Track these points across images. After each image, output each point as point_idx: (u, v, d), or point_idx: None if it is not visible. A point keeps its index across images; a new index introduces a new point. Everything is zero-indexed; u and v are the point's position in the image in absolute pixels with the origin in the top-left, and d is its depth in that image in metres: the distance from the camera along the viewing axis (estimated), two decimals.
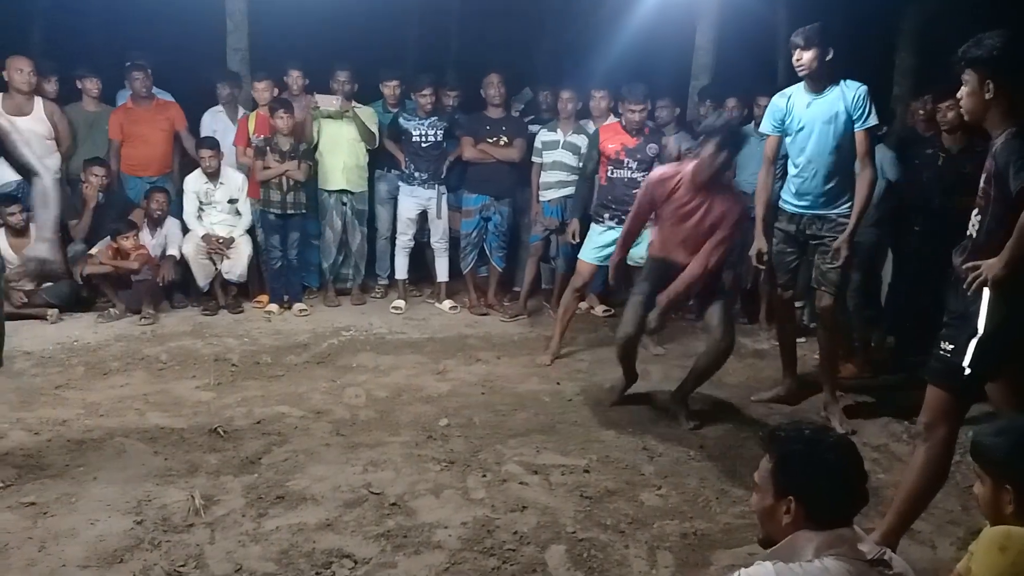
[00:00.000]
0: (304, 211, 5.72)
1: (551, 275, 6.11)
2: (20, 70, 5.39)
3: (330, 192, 5.87)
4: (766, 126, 4.00)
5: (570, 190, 5.66)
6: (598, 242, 4.81)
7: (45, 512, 2.81)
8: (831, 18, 4.05)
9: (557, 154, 5.69)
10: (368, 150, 5.91)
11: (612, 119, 5.45)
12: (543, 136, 5.75)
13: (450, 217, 5.97)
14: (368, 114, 5.84)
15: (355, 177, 5.90)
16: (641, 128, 4.83)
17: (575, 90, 5.70)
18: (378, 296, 6.20)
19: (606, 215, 4.83)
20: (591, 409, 4.05)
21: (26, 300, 5.24)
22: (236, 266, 5.66)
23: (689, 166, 3.74)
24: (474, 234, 5.88)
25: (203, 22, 7.01)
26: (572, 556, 2.66)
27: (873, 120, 3.72)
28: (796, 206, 3.92)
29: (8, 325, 5.03)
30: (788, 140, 3.91)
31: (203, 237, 5.63)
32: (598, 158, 4.91)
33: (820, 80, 3.72)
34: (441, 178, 5.88)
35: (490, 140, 5.74)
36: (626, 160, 4.83)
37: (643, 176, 4.72)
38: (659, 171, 3.91)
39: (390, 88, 6.01)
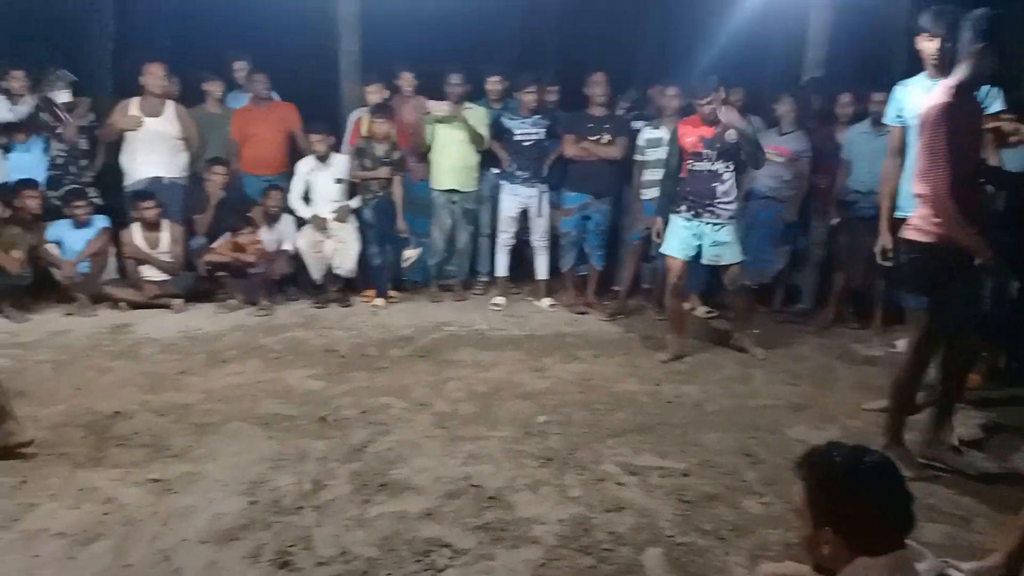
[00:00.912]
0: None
1: (652, 274, 6.03)
2: (154, 75, 5.77)
3: (440, 191, 6.00)
4: (889, 116, 3.80)
5: None
6: (680, 235, 4.71)
7: (168, 490, 3.00)
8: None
9: (660, 152, 5.59)
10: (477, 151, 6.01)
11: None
12: (646, 134, 5.68)
13: (551, 215, 5.99)
14: (478, 116, 5.92)
15: (464, 177, 6.00)
16: (716, 118, 4.63)
17: (680, 87, 5.60)
18: (479, 293, 6.30)
19: (684, 207, 4.72)
20: (691, 411, 3.98)
21: (157, 291, 5.62)
22: (345, 261, 5.87)
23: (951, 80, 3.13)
24: (574, 232, 5.88)
25: (316, 26, 7.31)
26: (670, 560, 2.63)
27: (998, 106, 3.46)
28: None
29: (137, 314, 5.47)
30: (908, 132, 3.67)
31: (312, 218, 5.85)
32: (680, 153, 4.77)
33: (944, 68, 3.51)
34: (542, 176, 5.91)
35: (592, 138, 5.72)
36: (705, 151, 4.67)
37: (725, 167, 4.63)
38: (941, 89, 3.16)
39: (493, 85, 6.08)
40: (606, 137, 5.72)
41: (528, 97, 5.76)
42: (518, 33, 10.67)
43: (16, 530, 2.68)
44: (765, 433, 3.71)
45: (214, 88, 6.20)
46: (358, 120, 6.14)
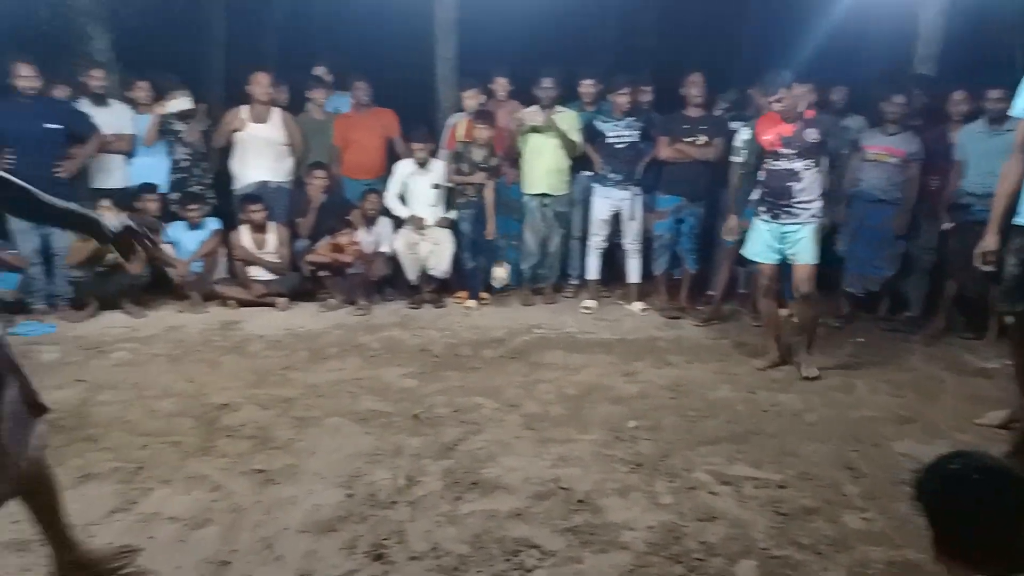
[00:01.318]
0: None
1: (747, 278, 5.88)
2: (260, 84, 6.06)
3: (532, 196, 6.05)
4: (1017, 108, 3.51)
5: None
6: (762, 238, 4.53)
7: (271, 480, 3.14)
8: None
9: None
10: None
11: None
12: (744, 135, 5.52)
13: (644, 218, 5.93)
14: (570, 121, 5.92)
15: (556, 181, 6.03)
16: (797, 115, 4.40)
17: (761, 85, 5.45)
18: (569, 296, 6.30)
19: (763, 208, 4.52)
20: (788, 421, 3.86)
21: (263, 290, 5.90)
22: (440, 263, 5.99)
23: None
24: (667, 236, 5.80)
25: (414, 33, 7.49)
26: (764, 573, 2.56)
27: None
28: None
29: (245, 311, 5.74)
30: None
31: (409, 217, 6.00)
32: (759, 151, 4.54)
33: None
34: (636, 179, 5.86)
35: (688, 139, 5.63)
36: (783, 150, 4.42)
37: (804, 165, 4.36)
38: None
39: (586, 88, 6.08)
40: (702, 138, 5.62)
41: (621, 99, 5.73)
42: (614, 35, 10.62)
43: (134, 512, 2.86)
44: (868, 446, 3.56)
45: (317, 95, 6.44)
46: (455, 125, 6.25)
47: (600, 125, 5.83)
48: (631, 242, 5.95)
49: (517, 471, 3.23)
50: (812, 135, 4.35)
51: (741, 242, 5.64)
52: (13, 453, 2.08)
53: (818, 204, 4.42)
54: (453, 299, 6.11)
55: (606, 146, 5.82)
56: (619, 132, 5.78)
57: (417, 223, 5.99)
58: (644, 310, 5.88)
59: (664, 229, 5.80)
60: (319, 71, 6.65)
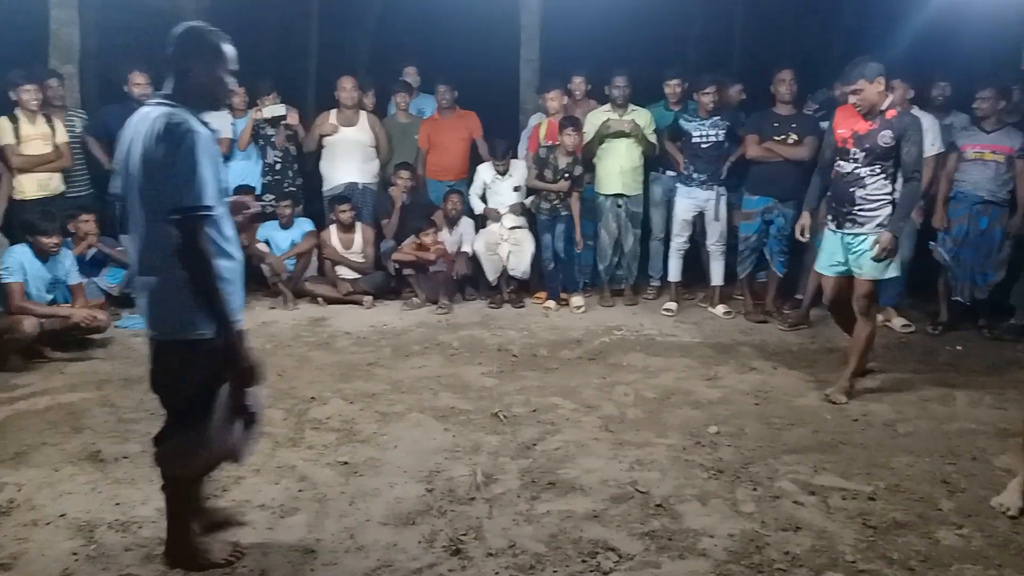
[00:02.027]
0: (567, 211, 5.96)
1: None
2: (345, 88, 6.24)
3: (606, 196, 6.02)
4: None
5: None
6: (828, 247, 4.19)
7: (355, 472, 3.24)
8: None
9: None
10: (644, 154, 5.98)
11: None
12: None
13: (729, 219, 5.81)
14: (645, 119, 5.88)
15: (630, 180, 5.98)
16: (877, 112, 3.95)
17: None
18: (650, 297, 6.23)
19: (829, 217, 4.19)
20: (880, 432, 3.71)
21: (350, 289, 6.08)
22: (520, 263, 6.03)
23: None
24: (754, 238, 5.66)
25: (499, 37, 7.57)
26: None
27: None
28: None
29: (333, 309, 5.93)
30: None
31: (486, 209, 6.09)
32: (834, 147, 4.17)
33: None
34: (720, 179, 5.75)
35: (777, 138, 5.49)
36: (852, 149, 4.02)
37: (869, 171, 3.96)
38: None
39: (671, 87, 6.00)
40: (792, 137, 5.46)
41: (706, 98, 5.63)
42: (701, 34, 10.44)
43: (226, 499, 3.00)
44: (966, 460, 3.39)
45: (402, 99, 6.58)
46: (536, 126, 6.28)
47: (685, 124, 5.75)
48: (715, 243, 5.84)
49: (594, 473, 3.23)
50: (886, 138, 3.94)
51: None
52: (217, 440, 2.39)
53: (885, 212, 3.99)
54: (533, 300, 6.14)
55: (691, 145, 5.73)
56: (704, 131, 5.68)
57: (494, 215, 6.05)
58: (727, 313, 5.76)
59: (751, 231, 5.66)
60: (409, 71, 6.77)
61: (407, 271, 6.10)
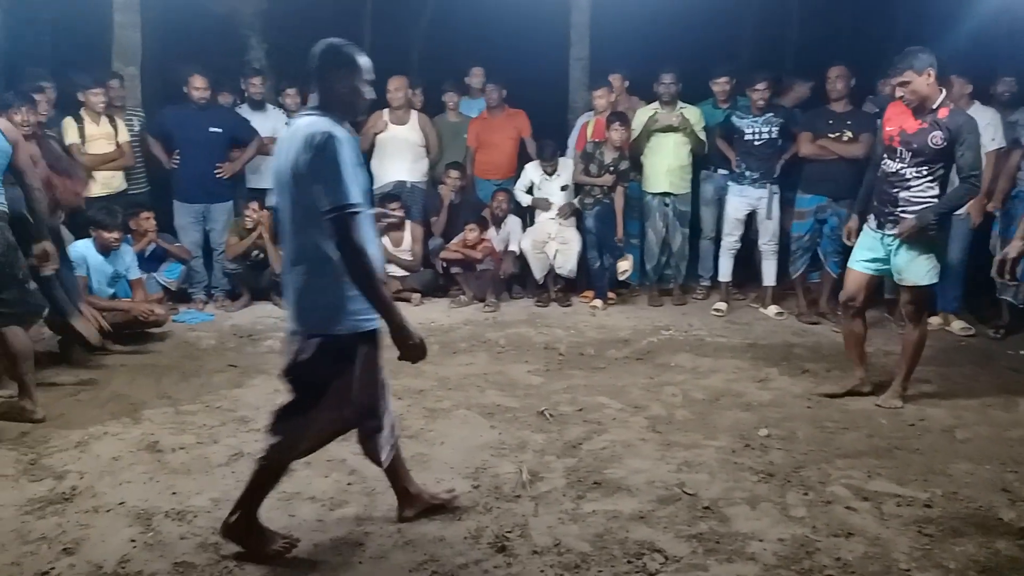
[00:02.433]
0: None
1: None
2: (396, 89, 6.30)
3: (653, 194, 5.97)
4: None
5: None
6: (865, 243, 4.00)
7: None
8: None
9: None
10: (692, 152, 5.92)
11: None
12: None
13: (782, 218, 5.71)
14: (695, 117, 5.83)
15: (678, 179, 5.92)
16: (928, 109, 3.72)
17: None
18: (699, 297, 6.16)
19: (870, 215, 4.00)
20: (938, 437, 3.60)
21: (399, 286, 6.15)
22: (567, 262, 6.02)
23: None
24: (807, 237, 5.55)
25: (549, 36, 7.56)
26: None
27: None
28: None
29: None
30: None
31: (534, 200, 6.12)
32: (883, 142, 3.99)
33: None
34: (773, 177, 5.65)
35: (832, 135, 5.37)
36: (900, 148, 3.81)
37: (916, 173, 3.75)
38: None
39: (720, 85, 5.93)
40: (847, 134, 5.34)
41: (757, 95, 5.54)
42: (754, 32, 10.28)
43: (278, 491, 3.02)
44: None
45: (451, 98, 6.63)
46: (584, 124, 6.26)
47: (737, 122, 5.67)
48: (767, 242, 5.74)
49: (640, 473, 3.21)
50: (936, 139, 3.69)
51: None
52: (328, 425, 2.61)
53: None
54: (580, 298, 6.12)
55: (743, 143, 5.65)
56: (757, 128, 5.59)
57: (543, 204, 6.04)
58: (779, 314, 5.66)
59: (804, 230, 5.55)
60: (476, 72, 6.75)
61: (455, 269, 6.15)
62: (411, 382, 4.31)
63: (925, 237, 3.79)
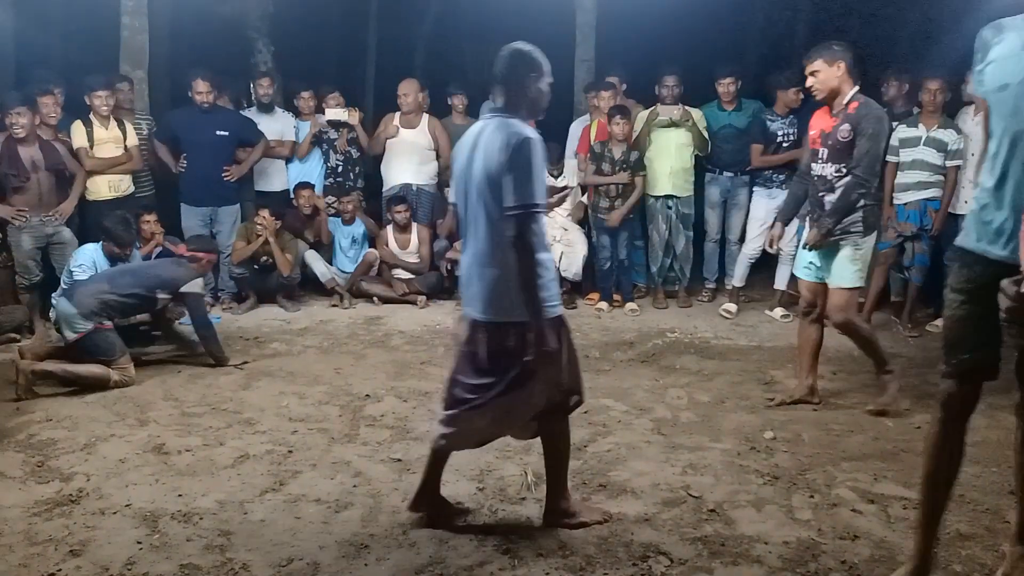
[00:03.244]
0: (631, 215, 5.90)
1: (903, 286, 5.52)
2: (407, 93, 6.32)
3: (656, 197, 5.96)
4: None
5: (932, 192, 5.12)
6: (805, 252, 3.89)
7: (408, 469, 3.28)
8: None
9: (917, 152, 5.15)
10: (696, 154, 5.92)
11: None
12: (900, 133, 5.20)
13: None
14: (698, 118, 5.83)
15: (681, 181, 5.92)
16: (841, 104, 3.63)
17: (944, 79, 5.09)
18: (704, 300, 6.15)
19: (807, 219, 3.89)
20: None
21: (405, 289, 6.16)
22: (572, 264, 6.02)
23: None
24: None
25: (553, 37, 7.56)
26: None
27: None
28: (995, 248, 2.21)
29: (387, 308, 6.01)
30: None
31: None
32: (809, 147, 3.91)
33: None
34: None
35: None
36: (820, 149, 3.74)
37: (835, 173, 3.65)
38: None
39: (724, 86, 5.92)
40: None
41: (786, 95, 5.55)
42: (761, 34, 10.27)
43: (283, 493, 3.08)
44: None
45: (458, 101, 6.64)
46: (587, 127, 6.25)
47: (770, 124, 5.64)
48: (788, 244, 5.69)
49: (646, 476, 3.20)
50: (844, 132, 3.61)
51: (900, 248, 5.32)
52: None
53: (851, 219, 3.69)
54: (585, 301, 6.12)
55: (774, 146, 5.63)
56: (785, 130, 5.58)
57: (556, 201, 6.01)
58: (785, 317, 5.64)
59: None
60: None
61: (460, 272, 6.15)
62: (417, 384, 4.32)
63: (850, 241, 3.71)
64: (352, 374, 4.49)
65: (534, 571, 2.55)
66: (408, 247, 6.28)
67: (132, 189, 5.85)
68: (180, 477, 3.20)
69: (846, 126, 3.62)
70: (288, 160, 6.51)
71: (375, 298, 6.15)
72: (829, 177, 3.72)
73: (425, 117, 6.38)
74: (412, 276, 6.25)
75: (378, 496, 3.05)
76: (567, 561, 2.60)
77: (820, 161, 3.75)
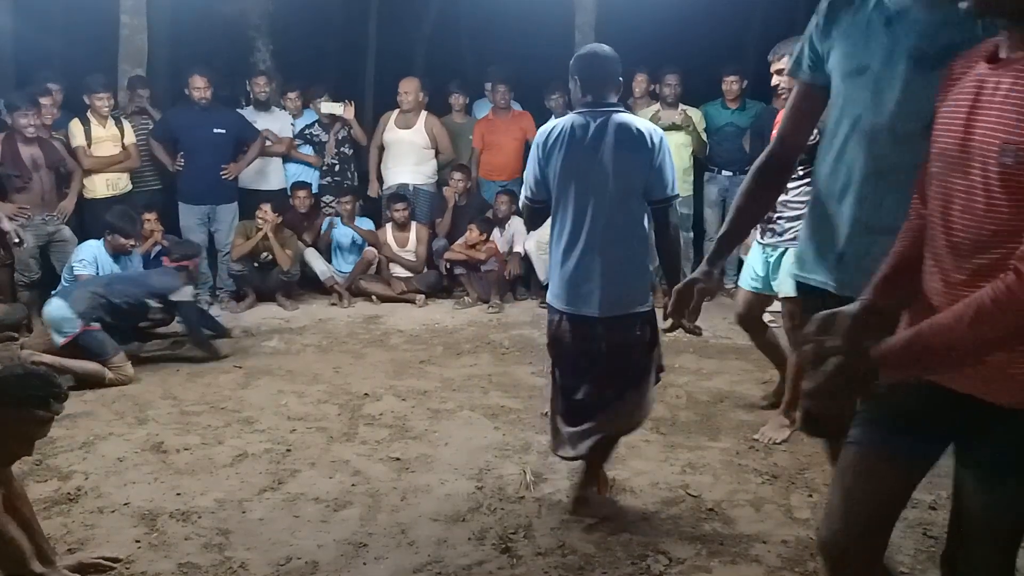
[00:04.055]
0: None
1: None
2: (407, 92, 6.32)
3: None
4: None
5: None
6: (748, 259, 3.71)
7: (407, 468, 3.28)
8: None
9: None
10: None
11: None
12: None
13: None
14: (697, 118, 5.84)
15: (679, 182, 5.89)
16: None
17: None
18: (706, 300, 6.14)
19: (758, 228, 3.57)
20: None
21: (404, 287, 6.16)
22: None
23: None
24: None
25: (552, 36, 7.57)
26: None
27: None
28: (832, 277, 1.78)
29: (386, 307, 6.01)
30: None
31: None
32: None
33: None
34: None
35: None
36: None
37: (792, 175, 3.26)
38: None
39: (728, 84, 5.92)
40: None
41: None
42: (761, 33, 10.27)
43: (282, 492, 3.07)
44: None
45: (457, 100, 6.64)
46: None
47: None
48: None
49: (644, 475, 3.20)
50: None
51: None
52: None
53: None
54: None
55: None
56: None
57: None
58: (771, 322, 5.63)
59: None
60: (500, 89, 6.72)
61: (459, 270, 6.15)
62: (415, 383, 4.32)
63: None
64: (351, 373, 4.49)
65: (533, 570, 2.55)
66: (407, 245, 6.28)
67: (130, 187, 5.85)
68: (179, 476, 3.19)
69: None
70: (286, 159, 6.50)
71: (374, 297, 6.15)
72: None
73: (422, 116, 6.37)
74: (410, 275, 6.25)
75: (377, 495, 3.05)
76: (566, 560, 2.60)
77: None
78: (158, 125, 6.11)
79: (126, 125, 5.78)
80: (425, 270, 6.31)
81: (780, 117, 3.46)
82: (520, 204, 3.17)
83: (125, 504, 2.95)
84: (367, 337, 5.26)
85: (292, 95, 6.52)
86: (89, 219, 5.54)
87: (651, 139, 2.62)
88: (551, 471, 3.24)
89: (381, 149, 6.46)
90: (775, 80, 3.57)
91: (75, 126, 5.58)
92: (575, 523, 2.83)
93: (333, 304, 6.05)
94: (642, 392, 2.76)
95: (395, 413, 3.88)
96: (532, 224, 3.07)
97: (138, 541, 2.70)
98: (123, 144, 5.72)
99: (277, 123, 6.39)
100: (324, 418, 3.83)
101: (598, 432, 2.74)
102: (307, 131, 6.48)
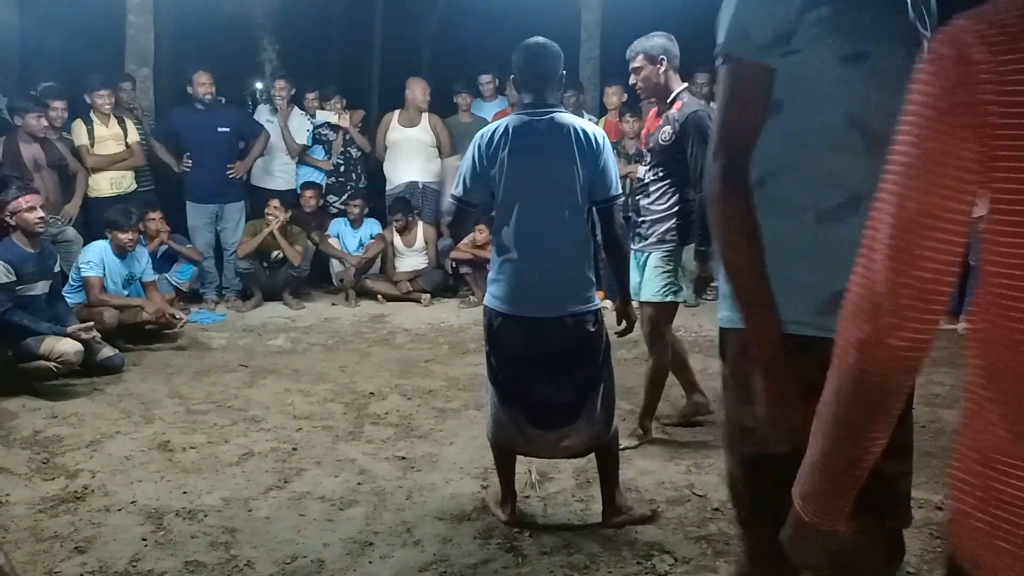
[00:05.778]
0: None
1: None
2: (417, 92, 6.33)
3: None
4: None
5: None
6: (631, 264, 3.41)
7: (412, 467, 3.29)
8: None
9: None
10: None
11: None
12: None
13: None
14: None
15: None
16: (665, 105, 3.31)
17: None
18: (710, 299, 6.11)
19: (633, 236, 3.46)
20: (950, 439, 3.56)
21: (409, 287, 6.17)
22: None
23: None
24: None
25: (558, 34, 7.55)
26: None
27: None
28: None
29: (392, 306, 6.02)
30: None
31: None
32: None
33: None
34: None
35: None
36: (646, 151, 3.48)
37: (653, 176, 3.33)
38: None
39: None
40: None
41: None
42: None
43: (288, 490, 3.08)
44: None
45: (463, 100, 6.64)
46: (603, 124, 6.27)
47: None
48: None
49: (650, 474, 3.20)
50: (665, 134, 3.25)
51: None
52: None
53: (663, 228, 3.35)
54: None
55: None
56: None
57: None
58: None
59: None
60: (485, 79, 6.76)
61: (464, 269, 6.15)
62: (421, 382, 4.32)
63: (667, 253, 3.37)
64: (357, 372, 4.49)
65: (538, 569, 2.55)
66: (413, 245, 6.29)
67: (135, 186, 5.87)
68: (185, 474, 3.20)
69: (668, 128, 3.25)
70: (300, 161, 6.53)
71: (379, 296, 6.16)
72: (647, 180, 3.39)
73: (426, 115, 6.38)
74: (416, 273, 6.26)
75: (382, 494, 3.05)
76: (571, 559, 2.59)
77: (644, 163, 3.46)
78: (160, 125, 6.12)
79: (129, 123, 5.80)
80: (431, 269, 6.32)
81: (651, 122, 3.46)
82: (444, 205, 3.12)
83: (132, 502, 2.96)
84: (373, 336, 5.26)
85: (311, 95, 6.52)
86: (94, 218, 5.56)
87: (595, 140, 2.58)
88: (556, 470, 3.23)
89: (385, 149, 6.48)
90: (632, 79, 3.38)
91: (78, 126, 5.60)
92: (580, 522, 2.83)
93: (334, 304, 6.06)
94: (604, 400, 2.76)
95: (401, 412, 3.89)
96: (456, 227, 2.97)
97: (144, 539, 2.70)
98: (126, 142, 5.74)
99: (293, 123, 6.41)
100: (330, 417, 3.83)
101: (568, 451, 2.77)
102: (318, 131, 6.49)
